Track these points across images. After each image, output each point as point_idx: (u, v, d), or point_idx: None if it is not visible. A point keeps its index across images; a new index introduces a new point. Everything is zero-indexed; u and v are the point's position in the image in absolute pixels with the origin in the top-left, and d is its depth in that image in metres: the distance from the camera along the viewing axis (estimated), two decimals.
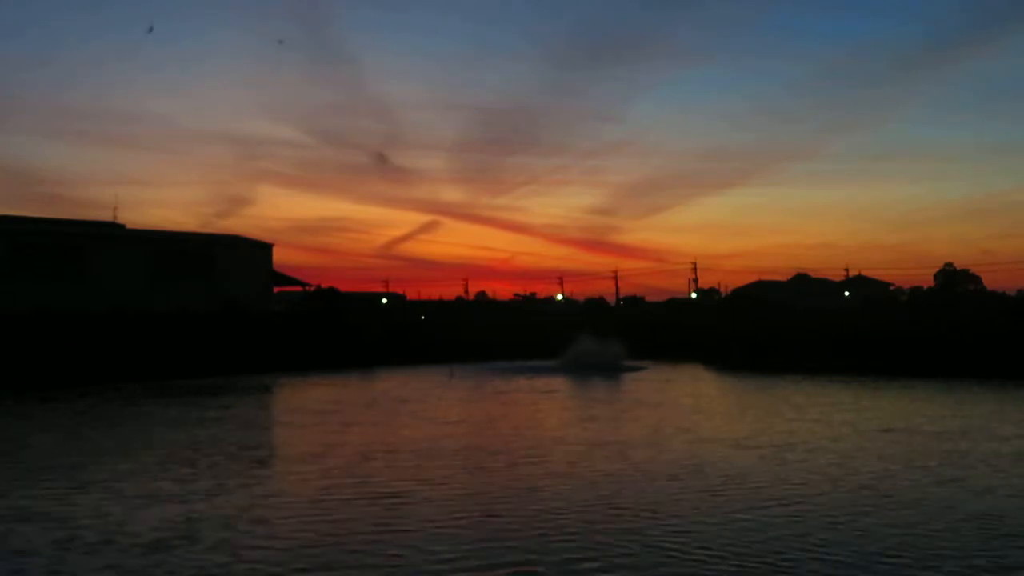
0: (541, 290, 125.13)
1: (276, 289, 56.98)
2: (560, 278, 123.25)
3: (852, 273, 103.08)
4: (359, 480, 13.81)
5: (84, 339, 35.88)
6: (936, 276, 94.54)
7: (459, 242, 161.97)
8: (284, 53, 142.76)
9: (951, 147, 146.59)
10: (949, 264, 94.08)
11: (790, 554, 9.36)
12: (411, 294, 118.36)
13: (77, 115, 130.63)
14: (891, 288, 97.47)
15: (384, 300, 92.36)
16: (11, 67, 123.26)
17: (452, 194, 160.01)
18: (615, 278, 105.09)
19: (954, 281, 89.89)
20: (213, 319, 42.14)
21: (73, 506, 12.11)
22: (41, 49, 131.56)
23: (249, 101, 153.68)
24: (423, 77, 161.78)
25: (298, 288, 59.36)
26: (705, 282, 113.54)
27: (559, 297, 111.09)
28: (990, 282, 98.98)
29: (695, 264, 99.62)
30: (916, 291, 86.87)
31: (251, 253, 52.92)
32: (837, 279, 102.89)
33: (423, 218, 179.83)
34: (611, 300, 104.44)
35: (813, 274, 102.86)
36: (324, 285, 60.33)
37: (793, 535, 10.12)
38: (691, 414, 22.15)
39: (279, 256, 59.01)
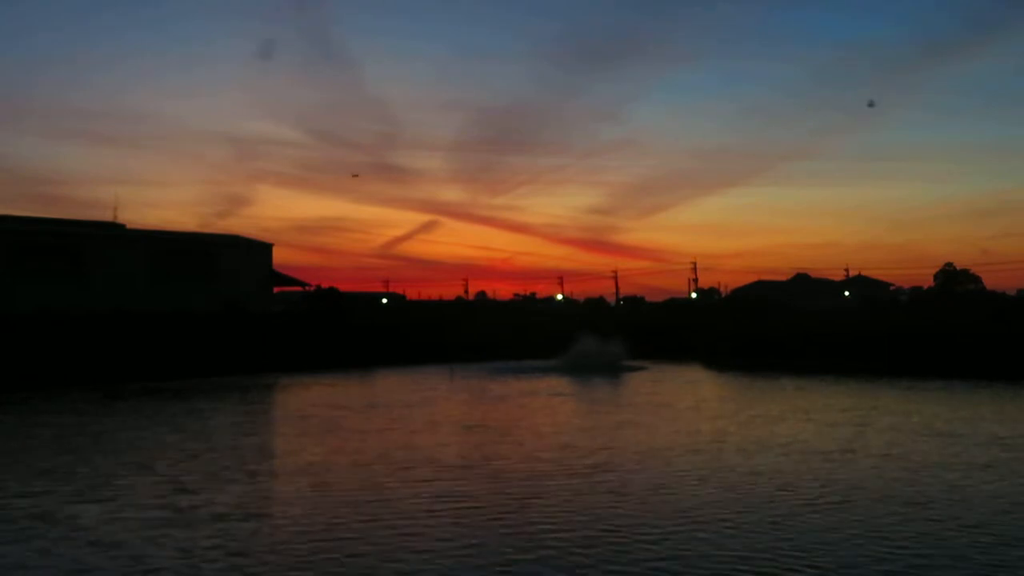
0: (541, 290, 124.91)
1: (276, 289, 56.96)
2: (560, 278, 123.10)
3: (852, 273, 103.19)
4: (379, 497, 12.44)
5: (84, 339, 35.84)
6: (936, 276, 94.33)
7: (459, 242, 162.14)
8: (284, 54, 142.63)
9: (951, 147, 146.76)
10: (949, 264, 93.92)
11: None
12: (411, 294, 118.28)
13: (78, 116, 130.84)
14: (891, 288, 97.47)
15: (384, 300, 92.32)
16: (13, 69, 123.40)
17: (451, 194, 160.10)
18: (615, 278, 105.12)
19: (954, 281, 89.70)
20: (213, 319, 42.11)
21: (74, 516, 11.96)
22: (42, 52, 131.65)
23: (249, 101, 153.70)
24: (422, 77, 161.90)
25: (298, 288, 59.36)
26: (705, 282, 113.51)
27: (559, 297, 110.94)
28: (990, 282, 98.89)
29: (695, 264, 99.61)
30: (916, 291, 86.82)
31: (251, 253, 52.92)
32: (837, 279, 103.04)
33: (423, 218, 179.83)
34: (611, 300, 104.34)
35: (813, 274, 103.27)
36: (324, 285, 60.48)
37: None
38: (718, 418, 21.26)
39: (279, 256, 59.10)
